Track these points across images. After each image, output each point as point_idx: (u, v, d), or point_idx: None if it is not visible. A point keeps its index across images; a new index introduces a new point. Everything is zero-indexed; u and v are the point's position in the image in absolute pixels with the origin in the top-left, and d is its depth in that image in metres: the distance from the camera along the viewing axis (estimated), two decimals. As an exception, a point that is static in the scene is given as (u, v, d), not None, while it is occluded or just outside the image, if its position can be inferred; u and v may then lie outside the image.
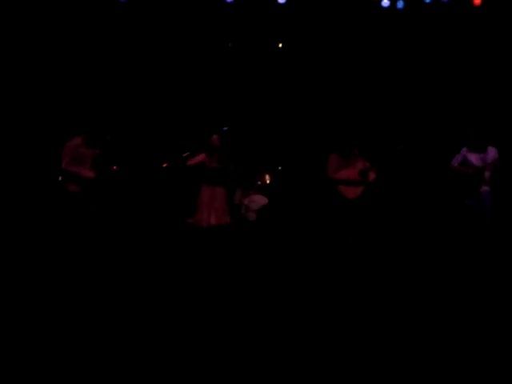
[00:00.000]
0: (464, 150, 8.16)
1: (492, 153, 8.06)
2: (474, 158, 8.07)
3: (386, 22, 9.95)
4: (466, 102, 9.94)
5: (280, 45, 10.22)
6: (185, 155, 8.68)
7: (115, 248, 7.73)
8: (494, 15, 9.76)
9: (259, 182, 9.64)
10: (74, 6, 9.70)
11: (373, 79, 10.23)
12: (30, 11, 9.69)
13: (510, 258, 7.71)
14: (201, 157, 8.73)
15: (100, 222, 8.11)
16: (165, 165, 8.35)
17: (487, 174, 8.02)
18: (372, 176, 8.45)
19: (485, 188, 8.03)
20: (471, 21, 9.87)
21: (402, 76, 10.20)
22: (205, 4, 9.83)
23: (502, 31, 9.80)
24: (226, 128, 9.30)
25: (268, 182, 9.72)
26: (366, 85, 10.27)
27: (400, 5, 9.81)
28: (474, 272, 7.04)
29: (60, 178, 7.68)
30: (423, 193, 9.83)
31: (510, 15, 9.71)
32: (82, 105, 9.56)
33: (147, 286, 6.01)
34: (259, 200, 9.43)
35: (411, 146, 8.59)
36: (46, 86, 9.90)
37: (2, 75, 9.73)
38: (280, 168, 9.83)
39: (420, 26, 9.97)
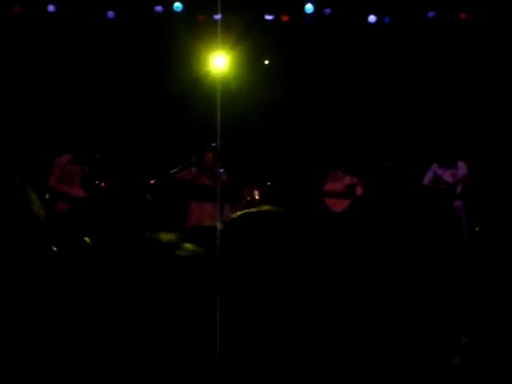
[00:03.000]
0: (434, 166, 8.17)
1: (462, 168, 8.09)
2: (445, 174, 8.09)
3: (372, 37, 10.03)
4: (435, 118, 9.99)
5: (266, 61, 10.29)
6: (173, 171, 8.71)
7: (103, 266, 7.70)
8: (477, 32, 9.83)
9: (248, 198, 9.63)
10: (58, 26, 9.76)
11: (359, 95, 10.28)
12: (12, 31, 9.75)
13: (491, 269, 7.74)
14: (193, 171, 8.75)
15: (88, 239, 8.08)
16: (153, 181, 8.36)
17: (459, 188, 8.04)
18: (359, 191, 8.51)
19: (457, 203, 8.05)
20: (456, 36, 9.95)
21: (387, 92, 10.26)
22: (187, 25, 9.93)
23: (483, 48, 9.86)
24: (215, 144, 9.33)
25: (257, 197, 9.71)
26: (354, 99, 10.32)
27: (387, 20, 9.90)
28: (456, 284, 7.06)
29: (47, 196, 7.66)
30: (408, 208, 9.85)
31: (492, 32, 9.77)
32: (71, 122, 9.59)
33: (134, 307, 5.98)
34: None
35: (399, 162, 8.64)
36: (35, 104, 9.94)
37: None
38: (269, 183, 9.83)
39: (400, 42, 10.05)
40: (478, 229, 8.79)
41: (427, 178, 8.16)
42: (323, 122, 10.32)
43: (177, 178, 8.66)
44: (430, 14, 9.78)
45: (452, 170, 8.01)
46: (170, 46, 10.10)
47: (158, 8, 9.76)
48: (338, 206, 8.49)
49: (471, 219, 8.31)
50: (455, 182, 7.95)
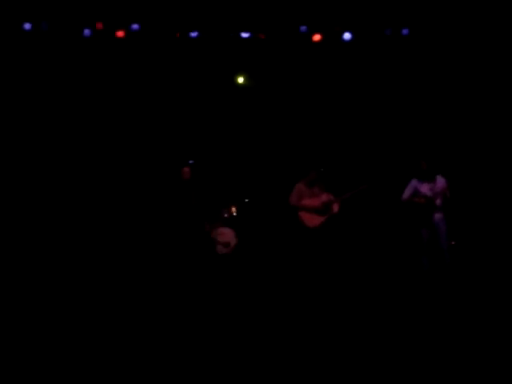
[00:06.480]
0: (414, 181, 8.21)
1: (441, 182, 8.15)
2: (424, 188, 8.14)
3: (347, 54, 10.10)
4: (415, 133, 10.06)
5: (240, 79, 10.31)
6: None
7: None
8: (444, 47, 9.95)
9: (226, 215, 9.65)
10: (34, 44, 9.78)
11: (337, 112, 10.32)
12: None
13: (469, 281, 7.86)
14: None
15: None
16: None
17: (438, 201, 8.10)
18: (335, 208, 8.55)
19: (438, 215, 8.11)
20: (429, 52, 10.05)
21: (362, 107, 10.32)
22: (168, 40, 9.96)
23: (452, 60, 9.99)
24: (191, 161, 9.36)
25: (235, 214, 9.74)
26: (333, 117, 10.35)
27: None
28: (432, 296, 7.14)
29: None
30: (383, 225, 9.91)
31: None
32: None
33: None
34: (227, 234, 9.37)
35: (374, 185, 8.69)
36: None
37: None
38: (247, 200, 9.87)
39: (375, 58, 10.12)
40: (453, 243, 8.88)
41: (406, 193, 8.19)
42: (303, 138, 10.34)
43: None
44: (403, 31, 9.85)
45: (430, 183, 8.07)
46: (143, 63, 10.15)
47: (135, 26, 9.77)
48: (313, 221, 8.52)
49: (451, 231, 8.37)
50: (434, 195, 7.99)
